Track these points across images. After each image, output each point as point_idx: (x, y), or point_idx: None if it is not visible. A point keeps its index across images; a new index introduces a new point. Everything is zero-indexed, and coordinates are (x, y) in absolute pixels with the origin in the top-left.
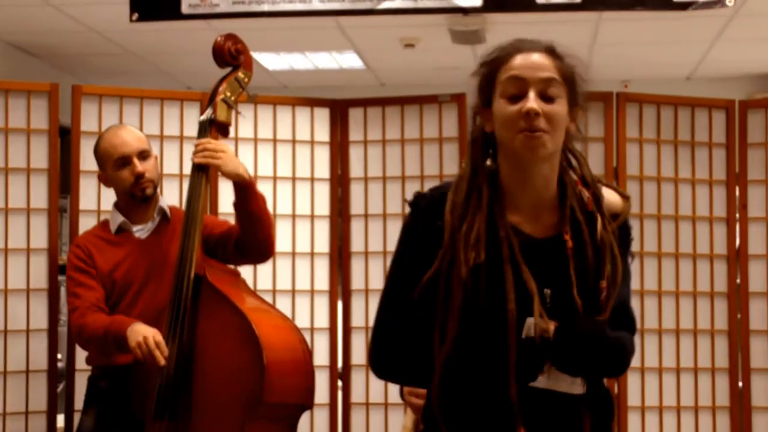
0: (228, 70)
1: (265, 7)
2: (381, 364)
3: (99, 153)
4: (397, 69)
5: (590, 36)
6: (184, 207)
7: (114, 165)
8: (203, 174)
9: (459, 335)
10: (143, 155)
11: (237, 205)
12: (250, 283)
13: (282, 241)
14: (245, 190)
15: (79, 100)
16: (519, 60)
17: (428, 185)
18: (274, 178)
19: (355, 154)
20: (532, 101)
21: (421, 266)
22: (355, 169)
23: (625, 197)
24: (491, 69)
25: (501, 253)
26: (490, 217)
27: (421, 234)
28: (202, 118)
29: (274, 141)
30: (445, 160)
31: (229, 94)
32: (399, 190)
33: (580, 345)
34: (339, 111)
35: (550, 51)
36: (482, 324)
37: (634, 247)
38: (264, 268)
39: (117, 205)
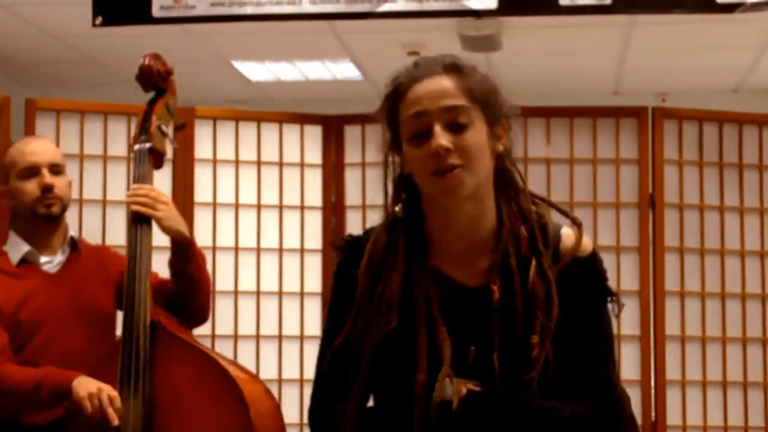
0: (153, 94)
1: (249, 10)
2: (313, 421)
3: (4, 162)
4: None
5: (622, 43)
6: (126, 260)
7: (19, 174)
8: (148, 227)
9: (376, 401)
10: (55, 169)
11: (174, 265)
12: (228, 326)
13: (267, 278)
14: (185, 249)
15: (33, 116)
16: (416, 91)
17: None
18: (258, 206)
19: (351, 178)
20: (438, 137)
21: (341, 321)
22: (352, 196)
23: (576, 223)
24: (391, 106)
25: (417, 314)
26: (408, 271)
27: (343, 284)
28: (138, 147)
29: (258, 163)
30: None
31: (163, 121)
32: None
33: (488, 414)
34: (333, 128)
35: (451, 69)
36: (395, 393)
37: (672, 285)
38: (246, 310)
39: (18, 230)
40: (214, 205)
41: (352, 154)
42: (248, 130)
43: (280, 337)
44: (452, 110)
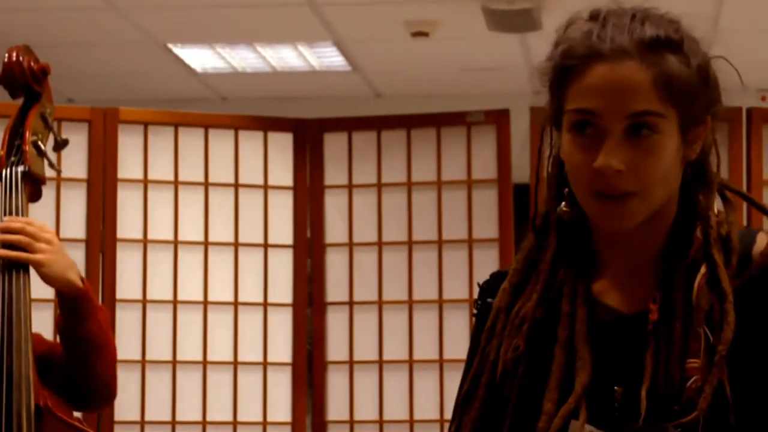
0: (23, 100)
1: None
2: None
3: None
4: (401, 71)
5: (708, 18)
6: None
7: None
8: (24, 275)
9: None
10: None
11: (62, 326)
12: (165, 411)
13: (217, 344)
14: (77, 303)
15: None
16: (594, 76)
17: (452, 254)
18: (206, 245)
19: (333, 206)
20: (606, 153)
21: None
22: (334, 230)
23: None
24: (558, 78)
25: (556, 335)
26: (553, 287)
27: (478, 321)
28: (7, 171)
29: (206, 185)
30: (478, 216)
31: (40, 137)
32: (403, 263)
33: None
34: (309, 138)
35: (650, 48)
36: (514, 427)
37: None
38: (188, 388)
39: None
40: (145, 242)
41: (334, 173)
42: (192, 139)
43: (234, 425)
44: (638, 116)
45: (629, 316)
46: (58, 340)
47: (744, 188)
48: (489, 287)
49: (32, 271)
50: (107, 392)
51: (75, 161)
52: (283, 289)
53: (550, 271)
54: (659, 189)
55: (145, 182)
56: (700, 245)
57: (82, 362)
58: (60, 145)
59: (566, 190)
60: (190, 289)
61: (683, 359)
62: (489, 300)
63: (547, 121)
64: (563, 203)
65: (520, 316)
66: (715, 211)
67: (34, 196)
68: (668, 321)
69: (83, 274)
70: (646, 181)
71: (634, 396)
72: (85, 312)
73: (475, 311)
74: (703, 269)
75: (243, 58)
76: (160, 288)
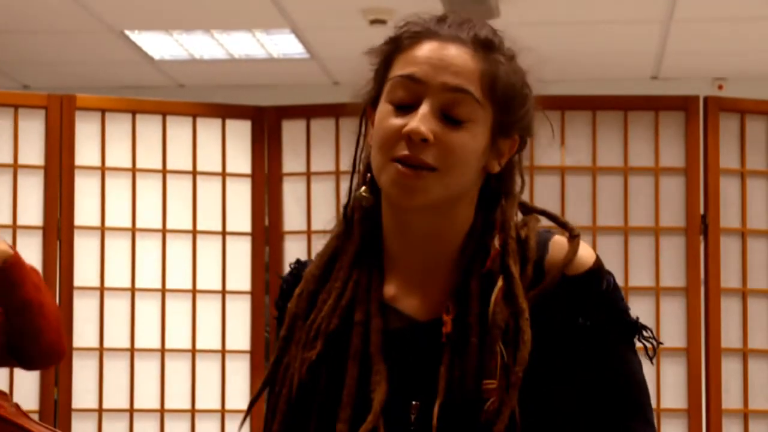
0: None
1: None
2: None
3: None
4: (359, 59)
5: (664, 7)
6: None
7: None
8: None
9: None
10: None
11: (1, 296)
12: (122, 398)
13: (175, 331)
14: (12, 271)
15: None
16: (423, 49)
17: None
18: (163, 232)
19: (292, 194)
20: (419, 119)
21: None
22: (293, 218)
23: (572, 235)
24: (387, 54)
25: (349, 345)
26: (352, 291)
27: (278, 323)
28: None
29: (164, 173)
30: None
31: None
32: None
33: None
34: (267, 125)
35: (481, 45)
36: None
37: (732, 341)
38: (146, 375)
39: None
40: (102, 230)
41: (292, 161)
42: (149, 126)
43: (192, 412)
44: (455, 92)
45: (423, 323)
46: None
47: (701, 177)
48: (289, 287)
49: None
50: (55, 350)
51: (31, 148)
52: (241, 277)
53: (347, 276)
54: (458, 175)
55: (103, 169)
56: (497, 255)
57: (26, 325)
58: None
59: (369, 175)
60: (148, 276)
61: (479, 377)
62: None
63: (367, 105)
64: (363, 188)
65: (314, 327)
66: (516, 220)
67: None
68: (463, 334)
69: (40, 261)
70: (447, 161)
71: (428, 411)
72: (19, 278)
73: (275, 310)
74: (500, 282)
75: (200, 45)
76: (117, 275)
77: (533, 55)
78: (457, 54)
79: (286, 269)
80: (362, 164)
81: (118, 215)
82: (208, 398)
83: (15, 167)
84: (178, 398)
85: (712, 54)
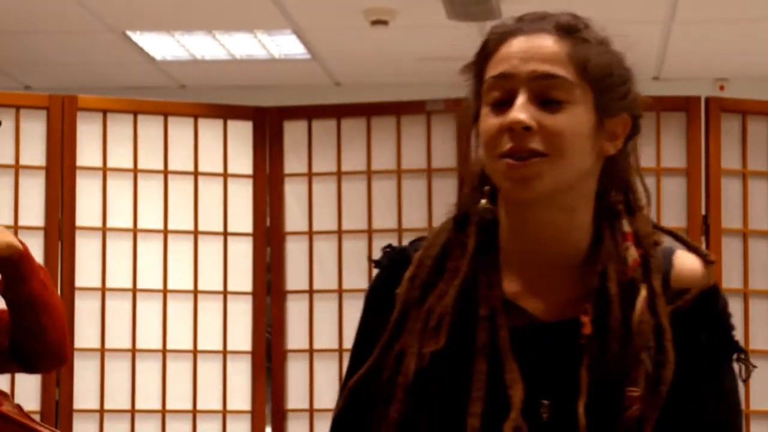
0: None
1: None
2: None
3: None
4: (360, 59)
5: (666, 9)
6: None
7: None
8: None
9: None
10: None
11: (6, 289)
12: (123, 399)
13: (176, 332)
14: (19, 266)
15: None
16: (509, 47)
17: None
18: (165, 233)
19: (293, 195)
20: (516, 110)
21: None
22: (294, 219)
23: (707, 261)
24: (478, 65)
25: (476, 340)
26: (471, 286)
27: (378, 308)
28: None
29: (165, 173)
30: (438, 204)
31: None
32: (363, 252)
33: None
34: (268, 126)
35: (565, 30)
36: None
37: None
38: (147, 376)
39: None
40: (104, 230)
41: (294, 162)
42: (151, 127)
43: (194, 413)
44: (545, 79)
45: (551, 323)
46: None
47: (702, 177)
48: (391, 273)
49: None
50: (59, 351)
51: (33, 149)
52: (242, 278)
53: (467, 270)
54: (569, 158)
55: (104, 170)
56: (637, 266)
57: (30, 323)
58: None
59: (487, 187)
60: (150, 277)
61: (620, 382)
62: (396, 291)
63: (471, 119)
64: (484, 200)
65: (435, 318)
66: (653, 234)
67: None
68: (601, 337)
69: (42, 262)
70: (555, 144)
71: (563, 410)
72: (27, 273)
73: (371, 295)
74: (643, 292)
75: (202, 46)
76: (119, 276)
77: (623, 40)
78: (542, 42)
79: (288, 268)
80: (476, 177)
81: (119, 216)
82: (210, 399)
83: (16, 168)
84: (179, 399)
85: (713, 55)
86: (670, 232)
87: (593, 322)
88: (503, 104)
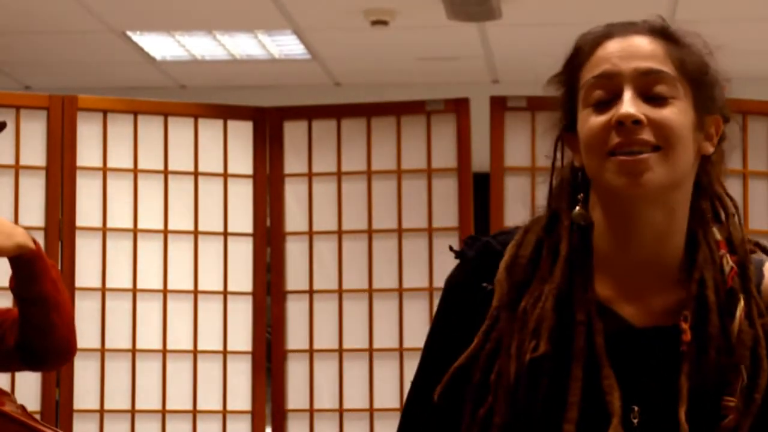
0: None
1: None
2: None
3: None
4: (361, 60)
5: (666, 8)
6: None
7: None
8: None
9: None
10: None
11: (17, 287)
12: (124, 400)
13: (177, 332)
14: (30, 264)
15: None
16: (607, 48)
17: (412, 242)
18: (165, 233)
19: (293, 195)
20: (627, 104)
21: (455, 352)
22: (294, 219)
23: None
24: (571, 71)
25: (573, 345)
26: (566, 290)
27: (462, 301)
28: None
29: (165, 173)
30: (438, 204)
31: None
32: (363, 252)
33: None
34: (268, 126)
35: (659, 32)
36: None
37: None
38: (147, 377)
39: None
40: (104, 231)
41: (294, 162)
42: (151, 127)
43: (194, 413)
44: (652, 74)
45: (643, 329)
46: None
47: None
48: (478, 266)
49: None
50: (67, 348)
51: (33, 149)
52: (242, 278)
53: (562, 275)
54: (680, 152)
55: (104, 170)
56: (735, 275)
57: (41, 320)
58: None
59: (581, 195)
60: (150, 277)
61: (718, 391)
62: (485, 285)
63: (562, 128)
64: (578, 207)
65: (533, 321)
66: (747, 240)
67: None
68: (701, 346)
69: None
70: (667, 137)
71: (655, 416)
72: (39, 271)
73: (456, 287)
74: (742, 302)
75: (202, 46)
76: (119, 276)
77: (708, 44)
78: (640, 42)
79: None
80: (567, 184)
81: (119, 216)
82: (210, 399)
83: (17, 168)
84: (179, 399)
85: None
86: (758, 244)
87: (694, 329)
88: (606, 104)
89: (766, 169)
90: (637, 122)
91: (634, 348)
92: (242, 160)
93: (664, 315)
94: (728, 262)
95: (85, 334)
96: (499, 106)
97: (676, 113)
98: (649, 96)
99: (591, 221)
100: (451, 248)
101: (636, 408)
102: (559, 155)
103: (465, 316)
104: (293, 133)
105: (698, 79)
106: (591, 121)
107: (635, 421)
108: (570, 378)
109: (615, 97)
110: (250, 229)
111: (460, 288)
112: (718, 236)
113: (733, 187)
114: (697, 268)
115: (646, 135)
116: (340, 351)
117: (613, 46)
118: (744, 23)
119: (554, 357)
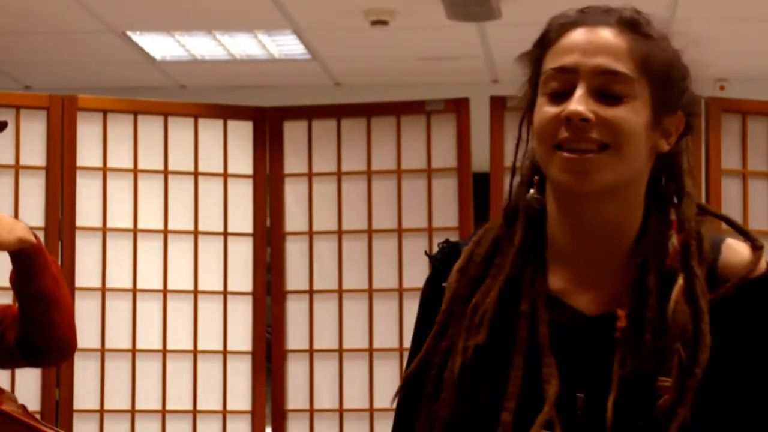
0: None
1: None
2: None
3: None
4: (360, 59)
5: (666, 8)
6: None
7: None
8: None
9: None
10: None
11: (18, 282)
12: (124, 400)
13: (177, 332)
14: (31, 259)
15: None
16: (570, 39)
17: (412, 242)
18: (165, 233)
19: (293, 195)
20: (576, 101)
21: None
22: (294, 219)
23: (756, 246)
24: (538, 53)
25: (515, 335)
26: (515, 281)
27: (429, 301)
28: None
29: (165, 173)
30: (438, 204)
31: None
32: (363, 252)
33: None
34: (268, 126)
35: (627, 24)
36: None
37: None
38: (148, 377)
39: None
40: (104, 231)
41: (294, 162)
42: (151, 127)
43: (194, 413)
44: (608, 74)
45: (592, 318)
46: (11, 299)
47: (702, 178)
48: (443, 267)
49: None
50: (67, 344)
51: (33, 149)
52: (242, 278)
53: (512, 266)
54: (630, 152)
55: (104, 170)
56: (677, 254)
57: (41, 316)
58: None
59: (536, 177)
60: (150, 277)
61: (653, 374)
62: (443, 285)
63: (525, 109)
64: (532, 190)
65: (479, 313)
66: (696, 220)
67: None
68: (637, 330)
69: None
70: (616, 137)
71: (596, 404)
72: (40, 266)
73: (425, 288)
74: (680, 281)
75: (202, 46)
76: (119, 276)
77: (683, 38)
78: (604, 36)
79: (288, 269)
80: (527, 169)
81: (119, 216)
82: (210, 399)
83: (17, 168)
84: (179, 399)
85: (713, 55)
86: (719, 215)
87: (630, 314)
88: (561, 96)
89: (766, 169)
90: (585, 120)
91: (584, 337)
92: (242, 160)
93: (613, 303)
94: (673, 243)
95: (85, 334)
96: (499, 106)
97: (629, 113)
98: (604, 94)
99: (544, 204)
100: (425, 253)
101: (580, 396)
102: (525, 135)
103: (431, 316)
104: (293, 133)
105: (660, 77)
106: (544, 110)
107: (579, 409)
108: (511, 368)
109: (570, 91)
110: (250, 229)
111: (427, 288)
112: (673, 217)
113: (733, 187)
114: (639, 254)
115: (595, 134)
116: (340, 351)
117: (577, 37)
118: (744, 23)
119: (497, 347)
